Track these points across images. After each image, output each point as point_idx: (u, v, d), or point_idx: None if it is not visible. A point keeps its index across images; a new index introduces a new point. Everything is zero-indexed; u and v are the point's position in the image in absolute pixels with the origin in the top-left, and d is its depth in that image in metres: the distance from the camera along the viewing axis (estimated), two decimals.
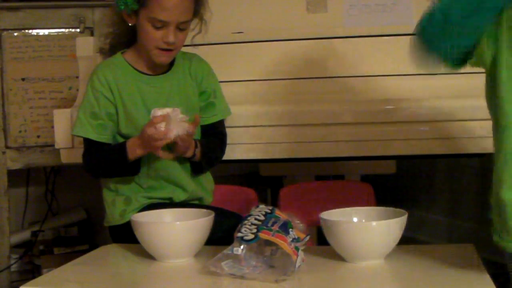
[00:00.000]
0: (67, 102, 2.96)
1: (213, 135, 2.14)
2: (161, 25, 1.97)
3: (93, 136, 2.03)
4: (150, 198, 2.07)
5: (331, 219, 1.68)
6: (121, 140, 2.06)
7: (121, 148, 1.98)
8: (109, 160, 2.02)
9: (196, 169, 2.09)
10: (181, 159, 2.06)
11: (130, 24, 2.05)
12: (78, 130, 2.05)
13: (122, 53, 2.11)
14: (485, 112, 2.11)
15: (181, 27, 2.00)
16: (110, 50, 2.16)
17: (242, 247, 1.59)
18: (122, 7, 2.00)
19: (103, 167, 2.05)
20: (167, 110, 1.89)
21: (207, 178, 2.18)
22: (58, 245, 3.39)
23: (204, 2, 2.08)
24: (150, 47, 2.01)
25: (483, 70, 1.55)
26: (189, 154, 2.00)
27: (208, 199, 2.17)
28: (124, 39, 2.12)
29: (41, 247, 3.40)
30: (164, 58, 2.04)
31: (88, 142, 2.05)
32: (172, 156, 1.98)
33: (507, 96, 1.47)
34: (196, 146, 2.02)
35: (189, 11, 2.01)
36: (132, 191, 2.07)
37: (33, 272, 3.36)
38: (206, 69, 2.16)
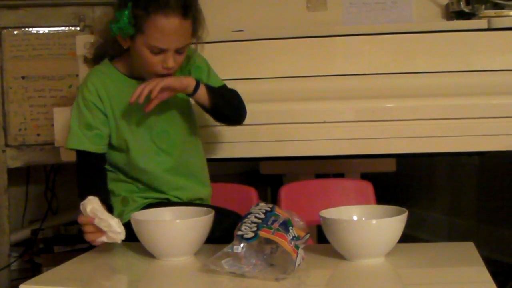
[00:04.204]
0: (67, 100, 2.96)
1: None
2: (160, 51, 1.92)
3: (90, 147, 1.99)
4: (146, 198, 2.06)
5: (331, 217, 1.68)
6: (111, 152, 2.04)
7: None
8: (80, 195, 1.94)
9: (213, 111, 2.04)
10: (172, 167, 2.05)
11: (124, 48, 1.97)
12: (74, 143, 2.00)
13: (110, 60, 2.06)
14: (484, 110, 2.12)
15: (180, 51, 1.96)
16: (93, 60, 2.10)
17: (242, 245, 1.59)
18: (117, 32, 1.92)
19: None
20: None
21: (202, 181, 2.16)
22: (58, 243, 3.39)
23: (202, 23, 2.01)
24: (147, 71, 1.96)
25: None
26: (190, 87, 1.96)
27: (207, 197, 2.18)
28: (110, 51, 2.06)
29: (41, 246, 3.40)
30: None
31: (83, 154, 2.01)
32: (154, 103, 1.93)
33: None
34: (198, 85, 1.97)
35: (188, 35, 1.96)
36: (127, 191, 2.07)
37: (33, 270, 3.36)
38: (199, 65, 2.11)
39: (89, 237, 1.81)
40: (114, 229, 1.79)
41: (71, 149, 2.02)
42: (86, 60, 2.12)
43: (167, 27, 1.89)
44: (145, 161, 2.04)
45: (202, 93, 1.99)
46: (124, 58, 2.04)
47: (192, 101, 2.07)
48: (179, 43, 1.93)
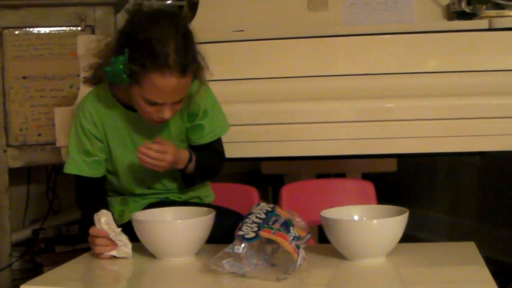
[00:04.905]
0: (68, 100, 2.96)
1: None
2: (155, 103, 1.84)
3: (89, 173, 1.98)
4: (145, 198, 2.07)
5: (332, 217, 1.68)
6: (108, 176, 2.04)
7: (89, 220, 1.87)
8: (83, 214, 2.00)
9: (188, 181, 2.04)
10: (170, 173, 2.03)
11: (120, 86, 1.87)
12: (72, 168, 1.98)
13: (109, 83, 1.95)
14: (485, 111, 2.12)
15: (178, 102, 1.88)
16: (94, 82, 2.04)
17: (243, 245, 1.59)
18: (112, 78, 1.83)
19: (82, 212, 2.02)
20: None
21: (199, 196, 2.15)
22: (59, 243, 3.39)
23: (204, 70, 1.91)
24: (142, 116, 1.91)
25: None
26: (180, 166, 1.95)
27: (209, 199, 2.18)
28: None
29: (42, 245, 3.40)
30: (157, 124, 1.95)
31: (81, 179, 2.00)
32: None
33: None
34: (190, 160, 1.95)
35: (186, 88, 1.87)
36: (126, 193, 2.07)
37: (35, 270, 3.36)
38: (200, 93, 1.98)
39: (99, 249, 1.80)
40: (127, 243, 1.80)
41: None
42: (86, 80, 2.06)
43: (163, 86, 1.80)
44: (139, 189, 2.06)
45: (189, 169, 1.97)
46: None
47: (185, 122, 2.03)
48: (177, 98, 1.86)
